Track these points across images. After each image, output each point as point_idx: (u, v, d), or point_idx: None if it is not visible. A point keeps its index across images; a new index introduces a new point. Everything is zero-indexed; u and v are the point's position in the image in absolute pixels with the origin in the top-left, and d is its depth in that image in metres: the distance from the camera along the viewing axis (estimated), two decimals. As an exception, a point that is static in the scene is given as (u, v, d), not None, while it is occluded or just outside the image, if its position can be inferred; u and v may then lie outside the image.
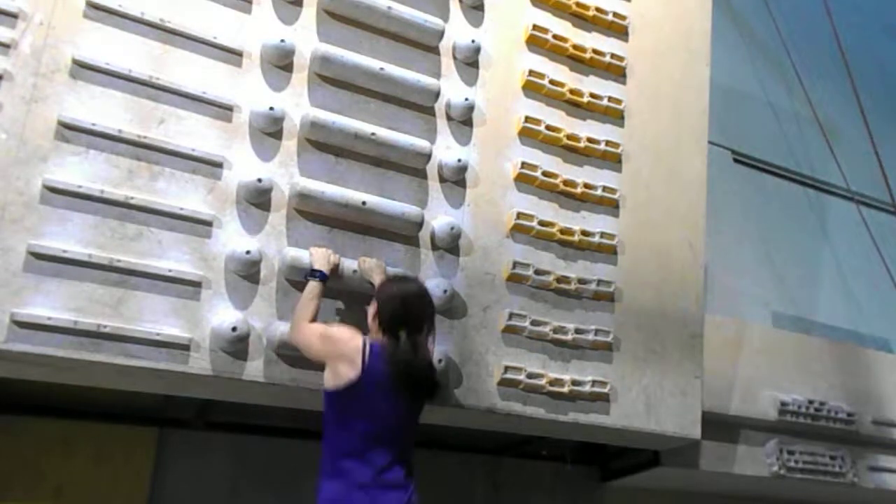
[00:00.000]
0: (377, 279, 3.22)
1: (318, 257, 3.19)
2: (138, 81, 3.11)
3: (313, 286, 3.11)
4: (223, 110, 3.26)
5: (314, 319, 3.04)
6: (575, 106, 4.08)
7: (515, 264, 3.73)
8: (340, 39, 3.50)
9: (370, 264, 3.29)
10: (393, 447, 2.86)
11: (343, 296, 3.32)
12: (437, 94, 3.65)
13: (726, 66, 5.72)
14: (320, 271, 3.14)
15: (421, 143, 3.56)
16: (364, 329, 3.07)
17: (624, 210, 4.12)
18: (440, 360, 3.41)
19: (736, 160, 5.90)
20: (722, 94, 5.17)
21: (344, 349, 2.89)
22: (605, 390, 3.85)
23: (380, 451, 2.83)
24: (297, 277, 3.23)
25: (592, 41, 4.20)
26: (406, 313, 2.96)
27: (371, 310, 3.06)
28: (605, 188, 4.06)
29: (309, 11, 3.50)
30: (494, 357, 3.63)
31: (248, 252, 3.15)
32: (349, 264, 3.31)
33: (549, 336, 3.76)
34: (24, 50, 2.95)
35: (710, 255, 4.61)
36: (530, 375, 3.66)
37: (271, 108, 3.28)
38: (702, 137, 4.50)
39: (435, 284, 3.48)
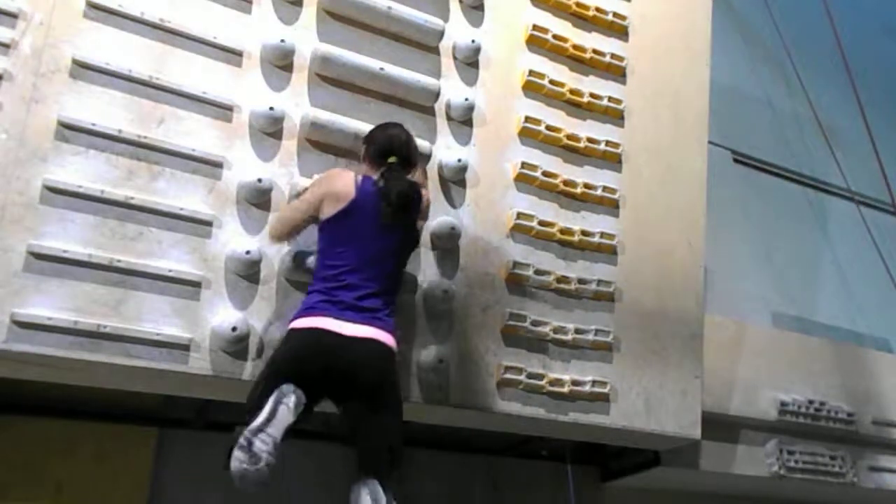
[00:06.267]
0: None
1: None
2: (138, 81, 3.11)
3: None
4: (223, 110, 3.26)
5: None
6: (575, 106, 4.08)
7: (515, 264, 3.73)
8: (340, 39, 3.50)
9: None
10: (374, 279, 2.95)
11: None
12: (437, 95, 3.65)
13: (726, 66, 5.71)
14: None
15: (421, 143, 3.54)
16: None
17: (624, 210, 4.12)
18: (441, 361, 3.41)
19: (736, 160, 5.89)
20: (722, 94, 5.16)
21: (338, 183, 3.03)
22: (605, 390, 3.85)
23: (361, 279, 2.92)
24: (297, 278, 3.23)
25: (592, 41, 4.20)
26: (392, 145, 3.12)
27: (361, 153, 3.21)
28: (605, 188, 4.06)
29: (309, 11, 3.50)
30: (494, 357, 3.63)
31: (248, 252, 3.15)
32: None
33: (549, 336, 3.76)
34: (24, 50, 2.95)
35: (710, 255, 4.60)
36: (530, 375, 3.66)
37: (271, 108, 3.28)
38: (702, 137, 4.50)
39: (435, 285, 3.48)
